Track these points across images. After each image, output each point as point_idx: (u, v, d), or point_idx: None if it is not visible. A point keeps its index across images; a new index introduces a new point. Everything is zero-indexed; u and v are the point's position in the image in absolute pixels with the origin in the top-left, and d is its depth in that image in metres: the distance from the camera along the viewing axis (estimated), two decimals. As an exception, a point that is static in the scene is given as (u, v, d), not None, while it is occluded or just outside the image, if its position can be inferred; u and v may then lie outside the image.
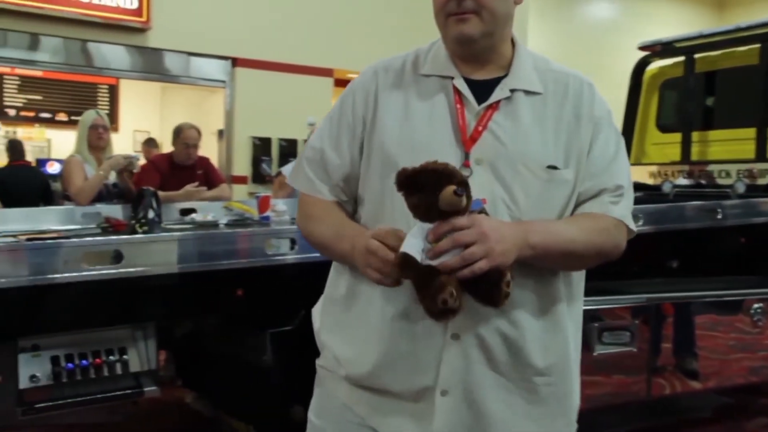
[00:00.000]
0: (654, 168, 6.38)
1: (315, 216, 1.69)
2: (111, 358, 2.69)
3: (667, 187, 5.32)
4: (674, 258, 3.89)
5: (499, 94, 1.61)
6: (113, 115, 10.70)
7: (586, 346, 3.29)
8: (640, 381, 3.55)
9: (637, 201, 1.73)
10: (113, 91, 11.12)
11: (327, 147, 1.69)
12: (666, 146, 6.42)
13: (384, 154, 1.61)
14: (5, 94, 10.19)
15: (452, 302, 1.36)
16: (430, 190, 1.38)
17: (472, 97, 1.61)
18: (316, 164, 1.70)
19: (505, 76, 1.64)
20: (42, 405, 2.61)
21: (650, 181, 6.17)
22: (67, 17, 8.55)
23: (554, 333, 1.61)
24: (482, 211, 1.46)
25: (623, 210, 1.63)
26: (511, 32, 1.69)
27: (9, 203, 6.53)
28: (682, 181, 5.83)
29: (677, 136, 6.24)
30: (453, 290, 1.36)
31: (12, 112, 10.14)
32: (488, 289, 1.41)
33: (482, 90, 1.62)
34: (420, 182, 1.39)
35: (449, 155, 1.53)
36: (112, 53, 9.06)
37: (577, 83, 1.66)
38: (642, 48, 6.72)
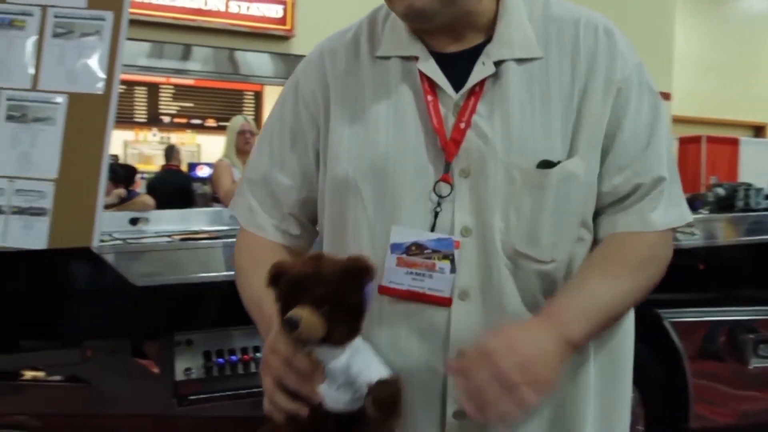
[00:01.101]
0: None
1: (245, 268, 1.28)
2: (257, 355, 2.79)
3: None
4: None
5: (480, 71, 1.16)
6: (258, 121, 11.08)
7: (740, 359, 3.13)
8: (800, 397, 3.34)
9: None
10: (258, 97, 11.52)
11: (271, 164, 1.29)
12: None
13: (337, 177, 1.21)
14: (161, 103, 10.76)
15: None
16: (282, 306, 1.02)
17: (447, 83, 1.17)
18: (259, 188, 1.30)
19: (488, 41, 1.19)
20: (195, 397, 2.74)
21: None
22: (217, 28, 8.96)
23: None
24: (448, 258, 1.11)
25: (669, 213, 1.19)
26: None
27: (159, 205, 6.90)
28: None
29: None
30: None
31: (166, 119, 10.69)
32: None
33: (460, 68, 1.17)
34: (283, 292, 1.03)
35: (423, 170, 1.14)
36: (257, 61, 9.43)
37: (589, 32, 1.19)
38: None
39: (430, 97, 1.17)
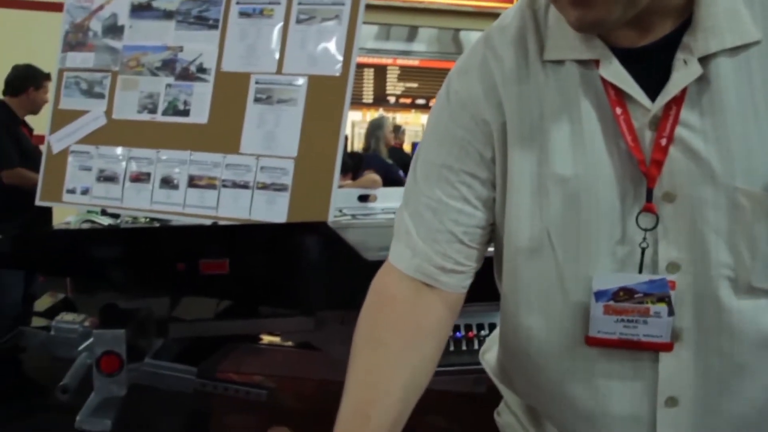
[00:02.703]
0: None
1: (361, 326, 1.09)
2: (482, 333, 2.82)
3: None
4: None
5: (683, 75, 0.92)
6: (481, 101, 11.11)
7: None
8: None
9: None
10: (481, 77, 11.54)
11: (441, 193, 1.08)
12: None
13: (516, 239, 1.03)
14: (388, 83, 11.08)
15: None
16: None
17: (639, 90, 0.95)
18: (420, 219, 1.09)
19: (685, 28, 0.94)
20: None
21: None
22: (442, 9, 9.06)
23: None
24: (664, 301, 0.97)
25: None
26: None
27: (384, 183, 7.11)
28: None
29: None
30: None
31: (392, 100, 10.99)
32: None
33: (651, 66, 0.95)
34: None
35: (620, 201, 0.96)
36: (482, 41, 9.44)
37: None
38: None
39: (619, 110, 0.96)
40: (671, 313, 0.98)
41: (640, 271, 0.98)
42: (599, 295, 1.00)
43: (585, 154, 0.97)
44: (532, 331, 1.05)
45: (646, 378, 1.01)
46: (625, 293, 0.99)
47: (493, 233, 1.10)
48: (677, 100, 0.94)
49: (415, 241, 1.07)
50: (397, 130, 8.34)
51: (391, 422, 0.99)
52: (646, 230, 0.97)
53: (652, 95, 0.95)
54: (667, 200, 0.95)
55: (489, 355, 1.29)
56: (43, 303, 3.92)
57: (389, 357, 1.03)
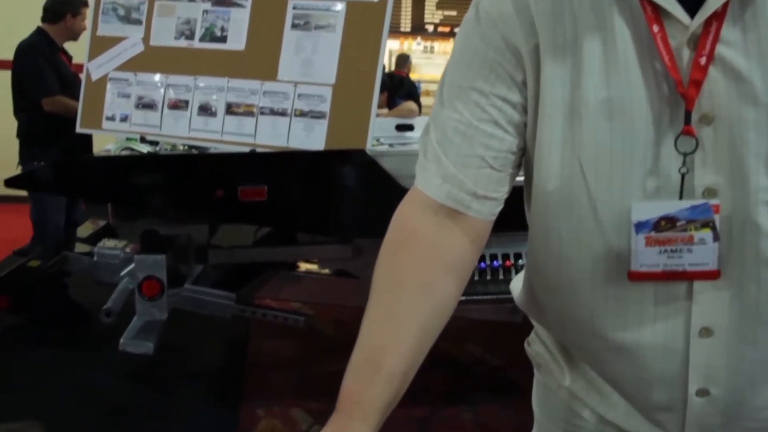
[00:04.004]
0: None
1: (381, 265, 1.01)
2: (520, 262, 2.82)
3: None
4: None
5: None
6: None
7: None
8: None
9: None
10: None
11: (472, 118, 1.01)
12: None
13: (546, 166, 0.98)
14: (426, 11, 10.90)
15: None
16: None
17: (676, 5, 0.89)
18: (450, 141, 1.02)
19: None
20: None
21: None
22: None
23: None
24: (708, 226, 0.93)
25: None
26: None
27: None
28: None
29: None
30: None
31: (430, 28, 10.82)
32: None
33: None
34: None
35: (656, 125, 0.92)
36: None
37: None
38: None
39: (656, 28, 0.90)
40: (716, 238, 0.94)
41: (680, 198, 0.93)
42: (639, 226, 0.95)
43: (619, 75, 0.92)
44: (562, 261, 1.00)
45: (680, 308, 0.97)
46: (667, 222, 0.94)
47: (523, 159, 1.08)
48: (718, 16, 0.88)
49: (445, 167, 1.01)
50: (405, 59, 8.20)
51: (404, 370, 0.94)
52: (684, 154, 0.91)
53: (691, 12, 0.89)
54: (705, 123, 0.90)
55: (518, 286, 1.27)
56: (84, 230, 4.00)
57: (407, 300, 0.97)
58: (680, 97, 0.90)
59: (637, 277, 0.96)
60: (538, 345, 1.20)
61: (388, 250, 1.02)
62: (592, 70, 0.93)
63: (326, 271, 3.83)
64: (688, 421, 1.00)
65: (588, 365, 1.09)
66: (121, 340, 2.92)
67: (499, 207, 1.03)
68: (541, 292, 1.09)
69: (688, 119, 0.89)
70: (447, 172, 1.01)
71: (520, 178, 1.08)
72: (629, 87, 0.91)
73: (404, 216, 1.03)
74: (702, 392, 0.98)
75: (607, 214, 0.95)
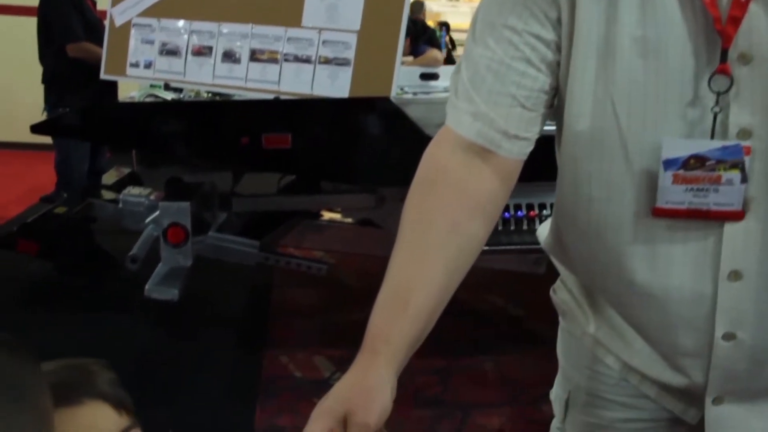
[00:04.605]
0: None
1: (410, 204, 0.99)
2: (544, 212, 2.80)
3: None
4: None
5: None
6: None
7: None
8: None
9: None
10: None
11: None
12: None
13: (578, 105, 0.97)
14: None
15: None
16: None
17: None
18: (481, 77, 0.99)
19: None
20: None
21: None
22: None
23: None
24: (737, 167, 0.92)
25: None
26: None
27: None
28: None
29: None
30: None
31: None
32: None
33: None
34: None
35: (690, 62, 0.89)
36: None
37: None
38: None
39: None
40: (744, 180, 0.93)
41: (712, 137, 0.92)
42: (668, 163, 0.94)
43: (656, 11, 0.89)
44: (592, 202, 0.99)
45: (710, 250, 0.96)
46: (696, 161, 0.93)
47: (555, 99, 1.05)
48: None
49: (477, 104, 0.99)
50: (420, 6, 8.07)
51: (431, 309, 0.93)
52: (718, 93, 0.89)
53: None
54: (743, 62, 0.88)
55: (545, 231, 1.26)
56: (109, 177, 4.02)
57: (436, 239, 0.96)
58: (717, 35, 0.87)
59: (660, 213, 0.95)
60: (563, 292, 1.20)
61: (417, 188, 1.00)
62: (628, 8, 0.91)
63: (349, 220, 3.84)
64: (713, 365, 0.99)
65: (613, 310, 1.08)
66: (147, 287, 2.95)
67: (530, 147, 1.02)
68: (568, 234, 1.08)
69: (724, 57, 0.87)
70: (478, 110, 0.99)
71: (549, 127, 1.06)
72: (666, 25, 0.89)
73: (434, 155, 1.02)
74: (728, 336, 0.97)
75: (638, 154, 0.94)
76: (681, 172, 0.93)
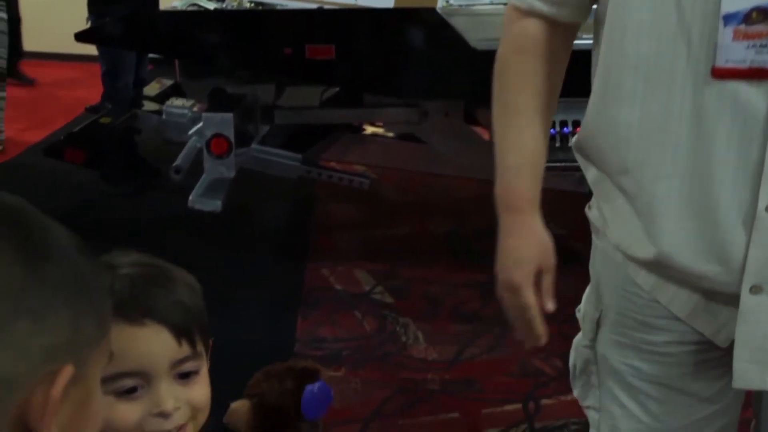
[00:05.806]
0: None
1: (503, 72, 1.09)
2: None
3: None
4: None
5: None
6: None
7: None
8: None
9: None
10: None
11: None
12: None
13: None
14: None
15: None
16: None
17: None
18: None
19: None
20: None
21: None
22: None
23: None
24: None
25: None
26: None
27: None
28: None
29: None
30: None
31: None
32: None
33: None
34: None
35: None
36: None
37: None
38: None
39: None
40: None
41: None
42: (729, 18, 0.88)
43: None
44: (640, 59, 0.94)
45: (758, 128, 0.90)
46: (759, 14, 0.87)
47: None
48: None
49: None
50: None
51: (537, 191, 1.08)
52: None
53: None
54: None
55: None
56: (151, 89, 4.01)
57: (544, 101, 1.07)
58: None
59: (721, 73, 0.90)
60: (595, 209, 1.16)
61: (506, 59, 1.10)
62: None
63: (392, 134, 3.80)
64: (754, 242, 0.93)
65: (643, 197, 1.01)
66: (191, 197, 2.97)
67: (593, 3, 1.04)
68: (610, 104, 1.01)
69: None
70: None
71: (587, 41, 1.06)
72: None
73: (512, 32, 1.09)
74: None
75: (691, 4, 0.89)
76: (742, 27, 0.88)
